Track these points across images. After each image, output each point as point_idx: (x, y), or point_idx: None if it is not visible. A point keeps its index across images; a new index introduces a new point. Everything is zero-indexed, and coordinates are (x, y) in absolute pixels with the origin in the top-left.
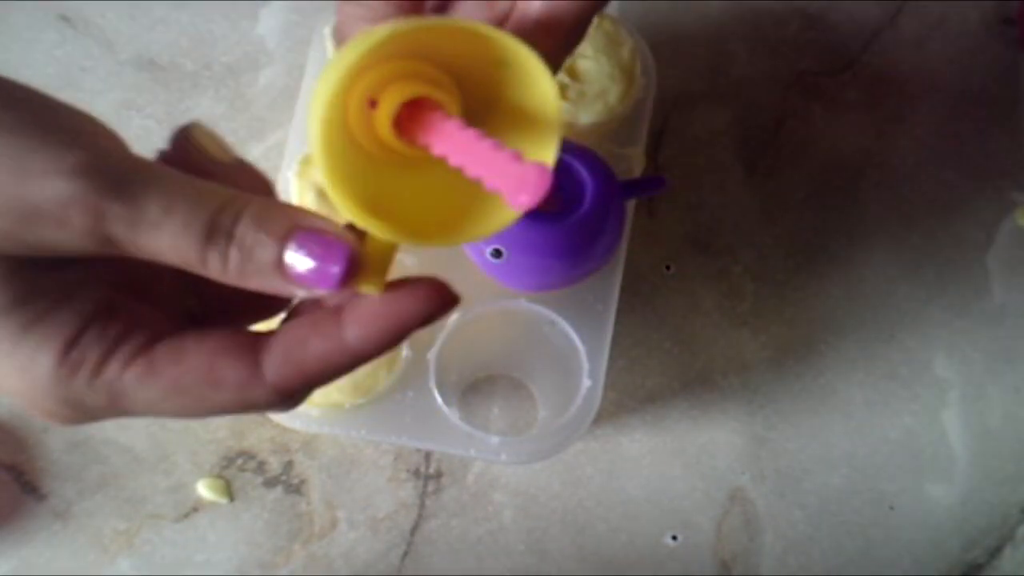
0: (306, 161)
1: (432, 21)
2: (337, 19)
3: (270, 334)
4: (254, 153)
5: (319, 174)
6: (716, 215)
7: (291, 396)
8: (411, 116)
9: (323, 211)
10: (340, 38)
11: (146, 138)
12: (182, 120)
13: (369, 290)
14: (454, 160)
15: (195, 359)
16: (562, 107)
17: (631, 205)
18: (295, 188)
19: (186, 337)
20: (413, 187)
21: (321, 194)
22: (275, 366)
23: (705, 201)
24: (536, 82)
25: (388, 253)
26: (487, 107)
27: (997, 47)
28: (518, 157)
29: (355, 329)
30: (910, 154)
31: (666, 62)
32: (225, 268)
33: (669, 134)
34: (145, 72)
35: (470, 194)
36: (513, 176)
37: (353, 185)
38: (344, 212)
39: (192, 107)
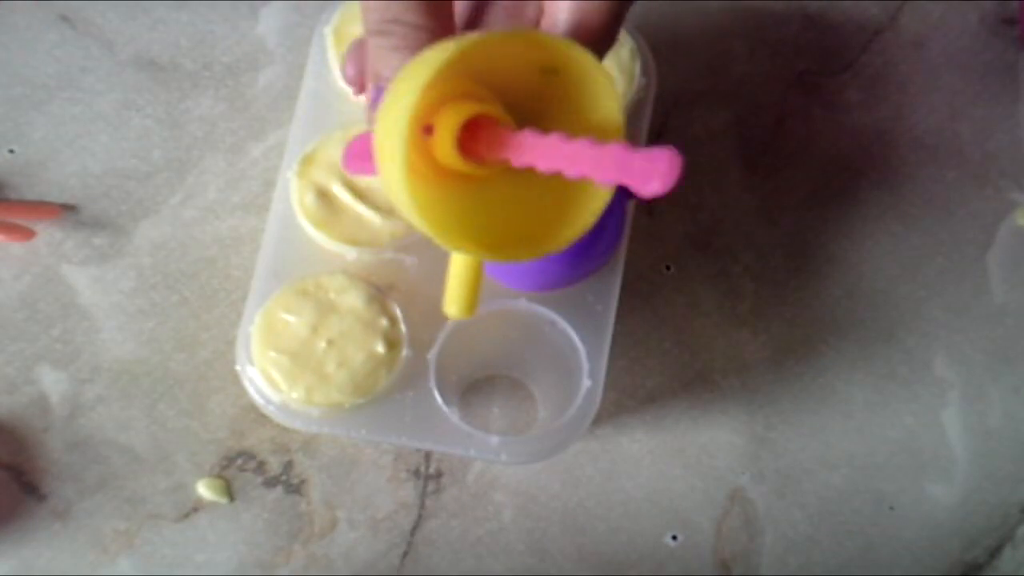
0: (306, 161)
1: (492, 34)
2: (369, 58)
3: None
4: (254, 153)
5: (400, 201)
6: (716, 215)
7: None
8: (470, 136)
9: (323, 212)
10: (375, 77)
11: (146, 138)
12: (182, 120)
13: (458, 315)
14: (548, 166)
15: None
16: (622, 108)
17: (631, 205)
18: (295, 188)
19: None
20: (487, 209)
21: (321, 194)
22: None
23: (705, 201)
24: (592, 83)
25: (475, 275)
26: (534, 116)
27: (997, 47)
28: (628, 147)
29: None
30: (910, 154)
31: (666, 62)
32: None
33: (669, 134)
34: (145, 72)
35: (538, 205)
36: (636, 165)
37: (432, 210)
38: (436, 237)
39: (192, 107)
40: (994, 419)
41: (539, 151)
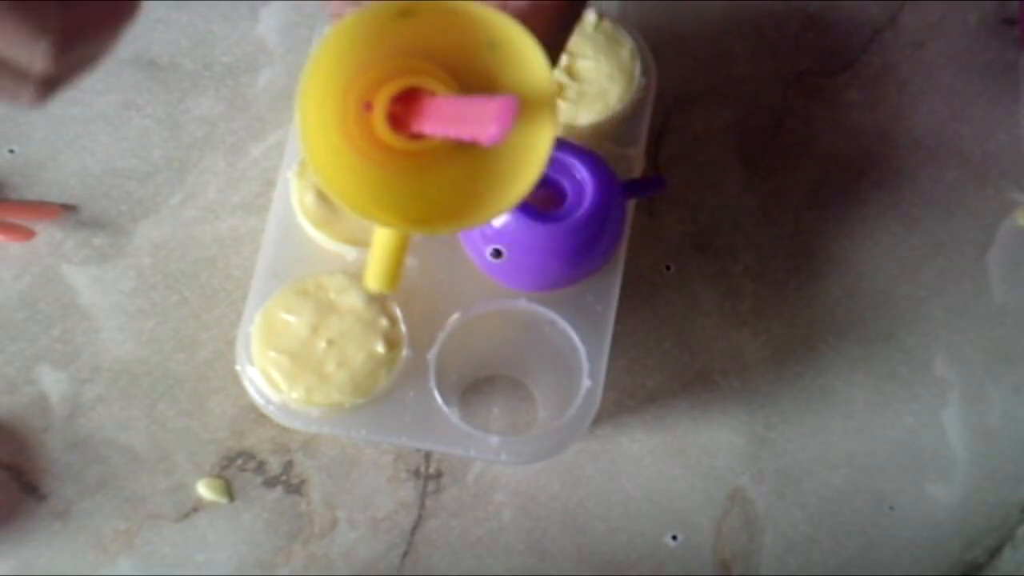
0: (306, 161)
1: (411, 4)
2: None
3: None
4: (254, 153)
5: (312, 170)
6: (716, 215)
7: (61, 70)
8: (408, 111)
9: (323, 212)
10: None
11: (146, 138)
12: (182, 120)
13: (379, 289)
14: (436, 129)
15: None
16: (554, 79)
17: (631, 205)
18: (295, 188)
19: None
20: (422, 184)
21: (321, 194)
22: (56, 26)
23: (705, 201)
24: (527, 60)
25: (396, 249)
26: (483, 92)
27: (997, 47)
28: (485, 99)
29: None
30: (910, 154)
31: (666, 62)
32: None
33: (669, 134)
34: (145, 72)
35: (477, 182)
36: (481, 115)
37: (353, 183)
38: (340, 204)
39: (192, 107)
40: (994, 419)
41: (431, 116)
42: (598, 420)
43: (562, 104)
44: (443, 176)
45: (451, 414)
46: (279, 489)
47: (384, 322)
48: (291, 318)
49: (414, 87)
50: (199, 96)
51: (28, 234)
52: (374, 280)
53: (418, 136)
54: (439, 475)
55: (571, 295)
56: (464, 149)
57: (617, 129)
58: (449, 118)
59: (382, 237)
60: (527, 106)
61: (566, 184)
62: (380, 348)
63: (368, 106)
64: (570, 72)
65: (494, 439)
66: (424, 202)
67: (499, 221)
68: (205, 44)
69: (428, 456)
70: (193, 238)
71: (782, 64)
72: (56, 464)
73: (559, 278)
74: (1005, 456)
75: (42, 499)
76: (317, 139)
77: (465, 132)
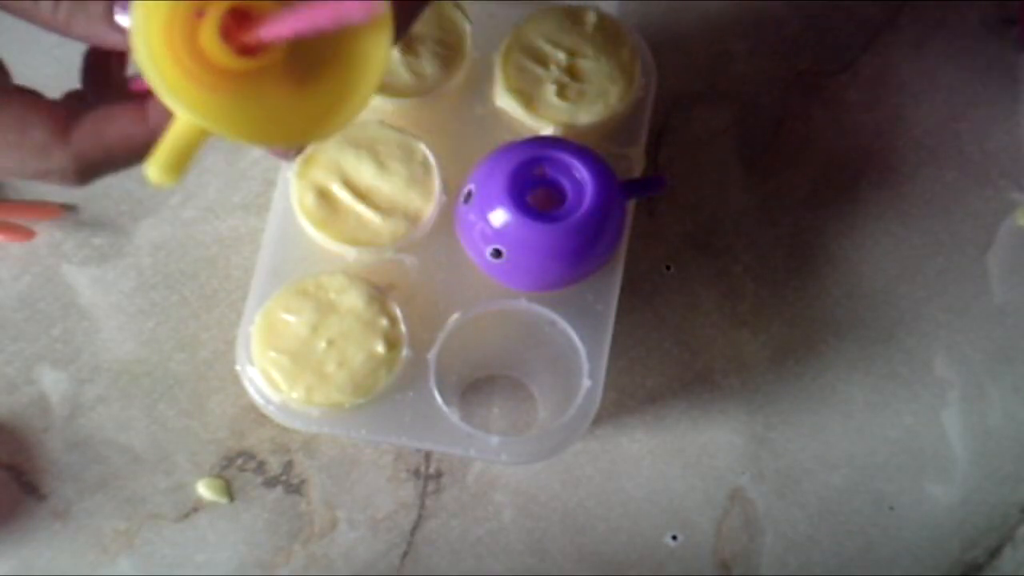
0: (306, 161)
1: None
2: None
3: (82, 110)
4: (254, 153)
5: (135, 43)
6: (716, 215)
7: (89, 167)
8: (240, 26)
9: (323, 212)
10: None
11: None
12: None
13: (158, 177)
14: (286, 30)
15: (7, 110)
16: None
17: (631, 205)
18: (295, 188)
19: (7, 91)
20: (252, 104)
21: (321, 194)
22: (80, 134)
23: (705, 201)
24: None
25: (191, 143)
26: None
27: (997, 47)
28: None
29: (156, 114)
30: (910, 154)
31: (666, 62)
32: (56, 13)
33: (669, 134)
34: None
35: (310, 99)
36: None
37: (174, 75)
38: (150, 80)
39: None
40: (994, 419)
41: (279, 23)
42: (598, 420)
43: (562, 104)
44: (273, 95)
45: (451, 414)
46: (279, 489)
47: (384, 322)
48: (291, 318)
49: (247, 5)
50: None
51: (28, 234)
52: (158, 167)
53: (253, 50)
54: (439, 475)
55: (571, 295)
56: (295, 67)
57: (617, 129)
58: (298, 18)
59: (180, 127)
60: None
61: (566, 184)
62: (380, 348)
63: (200, 14)
64: (570, 72)
65: (494, 439)
66: (253, 118)
67: (499, 221)
68: None
69: (428, 456)
70: (193, 238)
71: (782, 64)
72: (56, 464)
73: (559, 278)
74: (1005, 456)
75: (42, 499)
76: (153, 43)
77: (327, 19)
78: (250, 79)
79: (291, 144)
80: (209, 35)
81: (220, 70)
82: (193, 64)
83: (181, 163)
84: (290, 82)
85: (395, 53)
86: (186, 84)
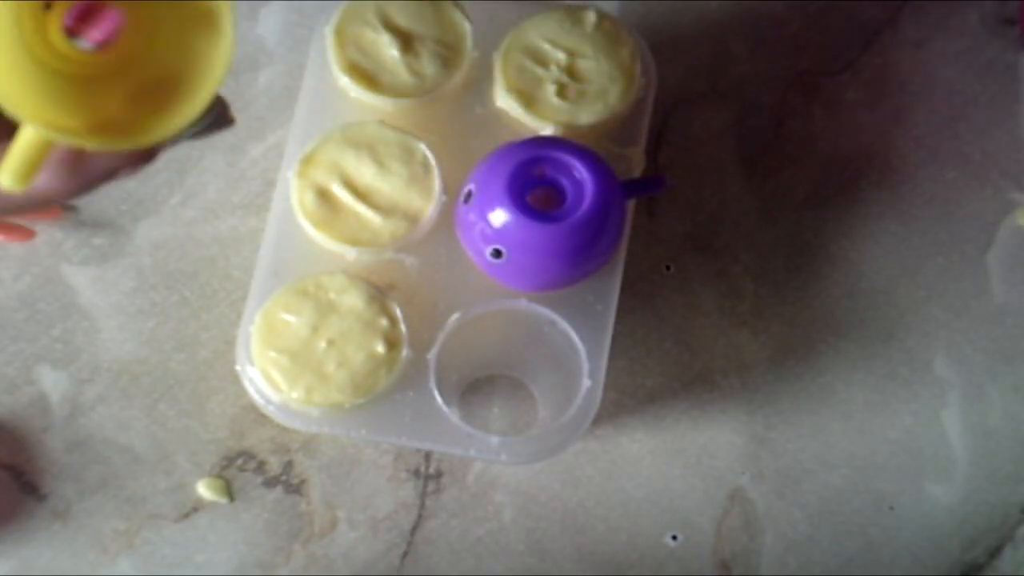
0: (306, 161)
1: None
2: None
3: None
4: (254, 153)
5: None
6: (716, 215)
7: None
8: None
9: (323, 212)
10: None
11: None
12: None
13: (8, 183)
14: (91, 37)
15: None
16: None
17: (631, 205)
18: (295, 188)
19: None
20: (96, 98)
21: (321, 194)
22: None
23: (705, 201)
24: None
25: (39, 149)
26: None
27: (997, 47)
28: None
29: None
30: (910, 154)
31: (666, 62)
32: None
33: (669, 134)
34: None
35: (152, 97)
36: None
37: (21, 82)
38: (9, 107)
39: None
40: (994, 419)
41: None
42: (598, 420)
43: (562, 104)
44: (117, 91)
45: (451, 414)
46: (279, 489)
47: (384, 322)
48: (291, 318)
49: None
50: None
51: (28, 234)
52: (8, 175)
53: (99, 47)
54: (439, 475)
55: (571, 295)
56: (138, 67)
57: (617, 129)
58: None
59: (28, 135)
60: (200, 18)
61: (566, 184)
62: (380, 348)
63: (47, 5)
64: (570, 72)
65: (494, 439)
66: (95, 114)
67: (499, 221)
68: None
69: (428, 456)
70: (193, 238)
71: (782, 64)
72: (56, 464)
73: (559, 278)
74: (1005, 456)
75: (42, 499)
76: None
77: (91, 33)
78: (95, 82)
79: (134, 145)
80: (53, 29)
81: (73, 66)
82: (48, 56)
83: (32, 169)
84: (132, 84)
85: (395, 53)
86: (28, 94)
